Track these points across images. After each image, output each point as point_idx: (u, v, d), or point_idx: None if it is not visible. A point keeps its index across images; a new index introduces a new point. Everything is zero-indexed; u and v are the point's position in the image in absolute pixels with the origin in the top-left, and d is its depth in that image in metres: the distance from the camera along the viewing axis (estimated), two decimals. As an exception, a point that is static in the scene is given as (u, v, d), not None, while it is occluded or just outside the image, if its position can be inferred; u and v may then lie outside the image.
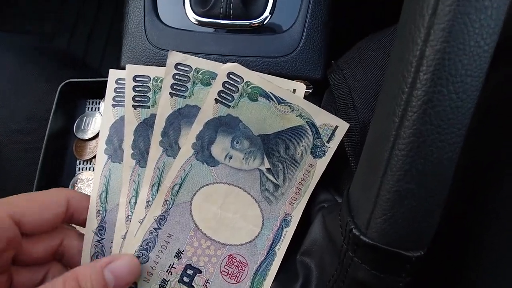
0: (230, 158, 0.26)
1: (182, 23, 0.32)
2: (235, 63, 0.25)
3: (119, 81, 0.27)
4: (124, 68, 0.27)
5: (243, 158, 0.26)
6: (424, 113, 0.14)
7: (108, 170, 0.26)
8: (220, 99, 0.25)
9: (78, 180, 0.35)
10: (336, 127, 0.25)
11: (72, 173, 0.35)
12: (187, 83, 0.26)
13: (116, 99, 0.27)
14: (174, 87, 0.26)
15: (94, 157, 0.35)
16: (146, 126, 0.27)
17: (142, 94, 0.27)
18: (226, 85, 0.25)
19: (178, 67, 0.26)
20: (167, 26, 0.32)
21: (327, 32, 0.32)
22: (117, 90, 0.27)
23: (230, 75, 0.25)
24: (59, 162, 0.35)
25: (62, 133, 0.36)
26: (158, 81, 0.27)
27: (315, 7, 0.31)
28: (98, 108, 0.36)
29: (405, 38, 0.15)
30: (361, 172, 0.19)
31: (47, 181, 0.33)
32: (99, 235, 0.25)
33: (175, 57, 0.26)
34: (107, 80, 0.27)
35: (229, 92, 0.25)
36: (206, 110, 0.25)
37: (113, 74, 0.27)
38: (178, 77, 0.26)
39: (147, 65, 0.30)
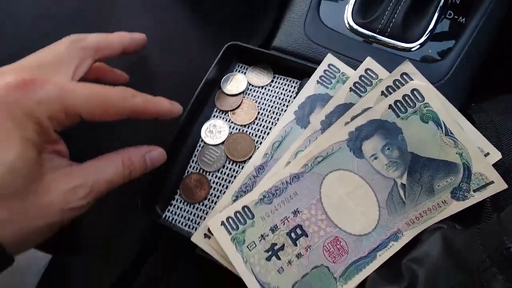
0: (375, 158, 0.29)
1: (338, 26, 0.38)
2: (425, 82, 0.29)
3: (330, 66, 0.32)
4: (276, 48, 0.34)
5: (386, 164, 0.29)
6: None
7: (290, 128, 0.30)
8: (394, 106, 0.29)
9: (211, 124, 0.39)
10: (491, 182, 0.27)
11: (208, 117, 0.40)
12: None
13: (322, 78, 0.32)
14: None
15: (231, 110, 0.40)
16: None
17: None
18: (406, 98, 0.29)
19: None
20: (324, 24, 0.38)
21: (473, 75, 0.34)
22: (326, 71, 0.32)
23: (414, 92, 0.29)
24: (202, 104, 0.40)
25: (212, 84, 0.41)
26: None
27: (470, 50, 0.35)
28: (245, 72, 0.41)
29: None
30: None
31: (193, 110, 0.37)
32: (256, 172, 0.29)
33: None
34: (266, 52, 0.35)
35: (405, 106, 0.29)
36: (377, 110, 0.29)
37: (329, 58, 0.33)
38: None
39: (296, 51, 0.37)
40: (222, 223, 0.27)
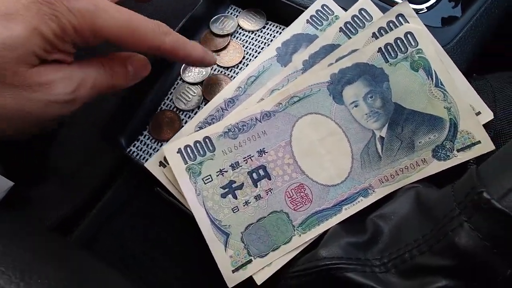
0: (356, 106, 0.27)
1: None
2: (422, 26, 0.26)
3: (324, 6, 0.29)
4: None
5: (366, 114, 0.26)
6: None
7: (270, 64, 0.28)
8: (384, 50, 0.26)
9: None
10: (478, 142, 0.25)
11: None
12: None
13: (312, 17, 0.29)
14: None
15: (217, 50, 0.38)
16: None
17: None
18: (398, 41, 0.26)
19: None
20: None
21: (480, 46, 0.32)
22: (318, 11, 0.29)
23: (408, 35, 0.26)
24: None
25: (200, 21, 0.39)
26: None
27: (480, 19, 0.32)
28: (237, 15, 0.39)
29: None
30: (506, 154, 0.18)
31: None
32: (225, 105, 0.27)
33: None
34: None
35: (396, 50, 0.26)
36: (365, 53, 0.27)
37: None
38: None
39: None
40: (179, 151, 0.25)
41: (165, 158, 0.26)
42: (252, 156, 0.26)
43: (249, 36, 0.36)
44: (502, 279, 0.16)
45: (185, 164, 0.25)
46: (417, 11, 0.34)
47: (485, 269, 0.17)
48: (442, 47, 0.31)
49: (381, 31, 0.26)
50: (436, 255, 0.18)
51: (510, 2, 0.35)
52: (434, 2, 0.34)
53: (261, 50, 0.34)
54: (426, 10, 0.34)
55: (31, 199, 0.36)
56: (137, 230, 0.33)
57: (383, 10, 0.29)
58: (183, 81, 0.34)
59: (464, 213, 0.17)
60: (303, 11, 0.31)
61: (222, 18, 0.37)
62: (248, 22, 0.37)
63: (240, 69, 0.34)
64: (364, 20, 0.28)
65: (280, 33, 0.34)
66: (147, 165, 0.27)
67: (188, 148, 0.25)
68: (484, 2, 0.33)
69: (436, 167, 0.25)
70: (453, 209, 0.18)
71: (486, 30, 0.34)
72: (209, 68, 0.35)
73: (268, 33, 0.35)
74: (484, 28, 0.34)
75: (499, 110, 0.26)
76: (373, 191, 0.26)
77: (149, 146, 0.32)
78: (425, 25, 0.32)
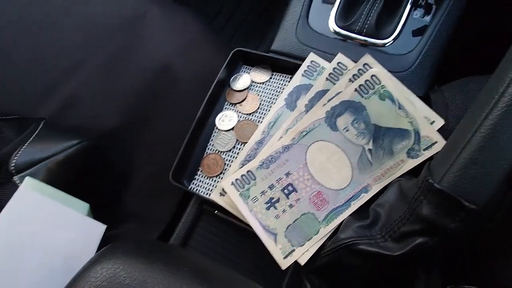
0: (347, 130, 0.38)
1: (323, 30, 0.46)
2: (382, 69, 0.37)
3: (312, 62, 0.41)
4: (273, 51, 0.43)
5: (356, 134, 0.37)
6: (503, 113, 0.24)
7: (282, 111, 0.40)
8: (359, 89, 0.37)
9: (223, 114, 0.49)
10: (436, 142, 0.35)
11: (220, 109, 0.50)
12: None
13: (305, 72, 0.41)
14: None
15: (239, 102, 0.49)
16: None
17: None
18: (367, 82, 0.37)
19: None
20: (312, 29, 0.47)
21: (436, 64, 0.42)
22: (309, 66, 0.41)
23: (373, 77, 0.37)
24: (215, 99, 0.50)
25: (223, 82, 0.51)
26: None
27: (432, 44, 0.42)
28: (249, 72, 0.51)
29: (497, 77, 0.26)
30: (446, 148, 0.29)
31: (209, 103, 0.47)
32: (256, 146, 0.38)
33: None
34: (264, 55, 0.44)
35: (367, 88, 0.37)
36: (346, 93, 0.38)
37: (310, 56, 0.41)
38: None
39: (289, 52, 0.46)
40: (232, 183, 0.37)
41: (223, 190, 0.37)
42: (282, 178, 0.37)
43: (261, 87, 0.47)
44: (450, 231, 0.27)
45: (238, 191, 0.36)
46: (384, 44, 0.45)
47: (440, 227, 0.27)
48: (405, 70, 0.42)
49: (355, 76, 0.38)
50: (412, 223, 0.29)
51: (454, 22, 0.46)
52: (397, 35, 0.45)
53: (272, 96, 0.46)
54: (392, 41, 0.45)
55: (112, 238, 0.47)
56: (206, 244, 0.44)
57: (354, 60, 0.40)
58: (219, 129, 0.46)
59: (422, 194, 0.28)
60: (296, 62, 0.43)
61: (238, 76, 0.49)
62: (259, 76, 0.49)
63: (259, 113, 0.46)
64: (342, 70, 0.39)
65: (284, 80, 0.46)
66: (212, 196, 0.38)
67: (238, 181, 0.37)
68: (432, 30, 0.44)
69: (411, 164, 0.36)
70: (416, 193, 0.29)
71: (440, 51, 0.44)
72: (236, 117, 0.46)
73: (275, 82, 0.47)
74: (438, 50, 0.44)
75: (450, 116, 0.37)
76: (371, 188, 0.37)
77: (204, 182, 0.43)
78: (391, 54, 0.43)
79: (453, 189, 0.26)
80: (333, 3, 0.48)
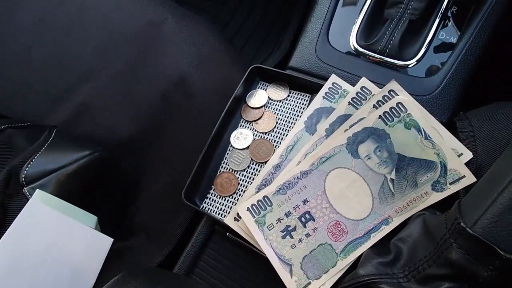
0: (369, 158, 0.36)
1: (344, 48, 0.45)
2: (408, 97, 0.36)
3: (334, 84, 0.40)
4: (291, 68, 0.42)
5: (378, 163, 0.36)
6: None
7: (301, 135, 0.38)
8: (383, 117, 0.36)
9: (239, 132, 0.48)
10: (464, 176, 0.33)
11: (236, 126, 0.48)
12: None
13: (327, 94, 0.39)
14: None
15: (255, 120, 0.48)
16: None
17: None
18: (392, 109, 0.36)
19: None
20: (332, 47, 0.45)
21: (462, 88, 0.41)
22: (330, 88, 0.39)
23: (399, 105, 0.35)
24: (231, 115, 0.48)
25: (239, 98, 0.49)
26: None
27: (459, 67, 0.41)
28: (265, 89, 0.49)
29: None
30: (479, 188, 0.27)
31: (225, 119, 0.46)
32: (274, 170, 0.37)
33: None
34: (282, 72, 0.43)
35: (392, 116, 0.36)
36: (370, 119, 0.36)
37: (332, 78, 0.40)
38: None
39: (308, 70, 0.45)
40: (248, 209, 0.35)
41: (238, 215, 0.36)
42: (299, 205, 0.36)
43: (278, 105, 0.46)
44: (483, 279, 0.25)
45: (253, 218, 0.35)
46: (408, 65, 0.44)
47: (471, 274, 0.26)
48: (428, 94, 0.41)
49: (379, 103, 0.36)
50: (439, 266, 0.27)
51: (484, 42, 0.44)
52: (421, 56, 0.43)
53: (289, 115, 0.44)
54: (415, 63, 0.44)
55: (120, 251, 0.46)
56: (215, 267, 0.42)
57: (379, 86, 0.38)
58: (234, 147, 0.45)
59: (452, 237, 0.26)
60: (315, 81, 0.41)
61: (255, 93, 0.48)
62: (276, 93, 0.47)
63: (275, 132, 0.44)
64: (365, 95, 0.38)
65: (302, 99, 0.45)
66: (226, 220, 0.37)
67: (253, 206, 0.35)
68: (460, 51, 0.42)
69: (436, 197, 0.34)
70: (445, 234, 0.27)
71: (467, 74, 0.43)
72: (252, 135, 0.45)
73: (293, 101, 0.45)
74: (465, 73, 0.42)
75: (479, 146, 0.35)
76: (392, 220, 0.35)
77: (216, 201, 0.42)
78: (414, 76, 0.42)
79: (487, 236, 0.24)
80: (355, 21, 0.46)
